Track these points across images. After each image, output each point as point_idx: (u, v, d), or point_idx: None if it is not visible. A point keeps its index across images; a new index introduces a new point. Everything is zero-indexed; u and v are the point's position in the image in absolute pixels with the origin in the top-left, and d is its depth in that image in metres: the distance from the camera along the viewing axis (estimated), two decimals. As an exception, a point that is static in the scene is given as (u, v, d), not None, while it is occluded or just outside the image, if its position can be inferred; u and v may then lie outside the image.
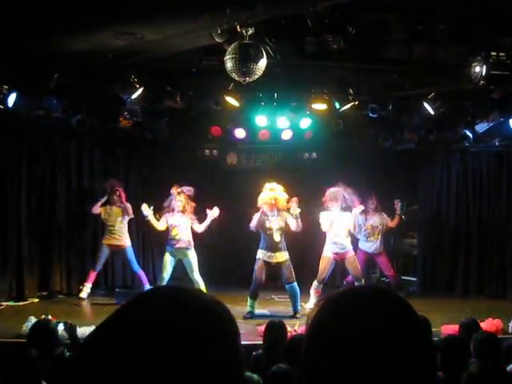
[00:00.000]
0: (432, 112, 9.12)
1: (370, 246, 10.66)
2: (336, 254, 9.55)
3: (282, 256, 9.00)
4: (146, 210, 9.42)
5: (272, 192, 8.92)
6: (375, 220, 10.64)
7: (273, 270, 9.31)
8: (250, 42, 5.94)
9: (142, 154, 11.49)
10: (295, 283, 9.02)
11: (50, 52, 6.72)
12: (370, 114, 9.49)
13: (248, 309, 8.96)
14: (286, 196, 8.96)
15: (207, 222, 9.48)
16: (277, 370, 4.24)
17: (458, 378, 4.32)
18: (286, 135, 11.16)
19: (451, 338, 5.39)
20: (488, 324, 7.64)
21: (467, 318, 6.45)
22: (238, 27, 5.80)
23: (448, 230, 11.74)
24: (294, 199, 8.88)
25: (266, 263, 8.99)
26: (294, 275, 9.03)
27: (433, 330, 6.24)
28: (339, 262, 9.75)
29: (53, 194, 10.34)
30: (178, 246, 9.47)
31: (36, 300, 9.94)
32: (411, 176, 12.12)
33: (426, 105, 9.07)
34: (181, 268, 9.81)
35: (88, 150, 10.86)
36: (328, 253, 9.55)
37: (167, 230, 9.53)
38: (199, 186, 10.05)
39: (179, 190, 9.50)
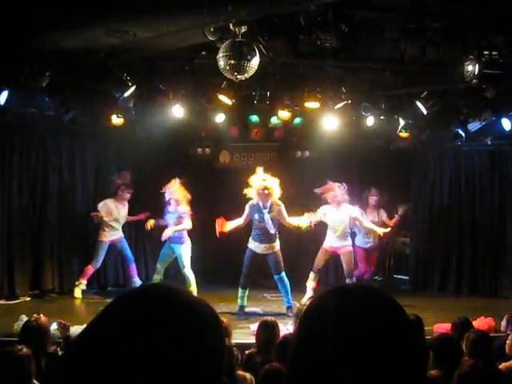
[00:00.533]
0: (424, 111, 9.12)
1: (367, 241, 10.70)
2: (330, 247, 9.58)
3: (273, 246, 9.02)
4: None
5: (264, 182, 8.90)
6: (374, 216, 10.70)
7: (264, 268, 9.35)
8: (243, 40, 5.93)
9: (134, 152, 11.44)
10: (283, 273, 9.03)
11: (42, 50, 6.69)
12: (363, 113, 9.50)
13: (239, 301, 9.02)
14: (279, 189, 8.96)
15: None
16: (270, 368, 4.24)
17: (450, 376, 4.34)
18: (279, 133, 11.16)
19: (444, 337, 5.41)
20: (480, 322, 7.68)
21: (459, 317, 6.48)
22: (230, 25, 5.79)
23: (440, 229, 11.75)
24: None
25: (257, 254, 9.01)
26: (282, 265, 9.04)
27: (425, 328, 6.28)
28: (335, 257, 9.81)
29: (44, 192, 10.30)
30: (170, 241, 9.55)
31: (28, 299, 9.91)
32: (404, 175, 12.14)
33: (418, 104, 9.08)
34: (174, 265, 9.82)
35: (80, 148, 10.81)
36: (325, 245, 9.68)
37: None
38: (192, 184, 10.04)
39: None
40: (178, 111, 9.47)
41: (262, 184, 8.86)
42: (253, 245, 9.01)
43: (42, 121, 9.52)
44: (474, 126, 9.90)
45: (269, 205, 8.91)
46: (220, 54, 5.95)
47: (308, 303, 1.19)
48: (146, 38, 6.15)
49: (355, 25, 5.96)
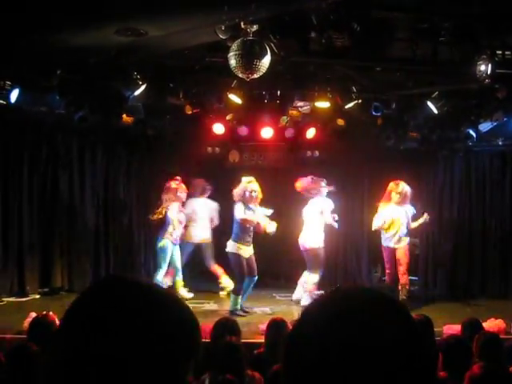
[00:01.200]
0: (435, 111, 9.09)
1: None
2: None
3: (252, 249, 9.10)
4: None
5: (252, 184, 8.96)
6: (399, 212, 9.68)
7: (273, 268, 9.36)
8: (254, 38, 5.91)
9: (144, 151, 11.47)
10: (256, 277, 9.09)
11: (53, 48, 6.69)
12: (373, 113, 9.46)
13: (237, 307, 9.04)
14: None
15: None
16: (278, 368, 4.23)
17: (460, 378, 4.31)
18: (289, 133, 11.13)
19: (453, 338, 5.38)
20: (490, 324, 7.62)
21: (469, 318, 6.45)
22: (241, 24, 5.77)
23: (450, 230, 11.70)
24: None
25: (242, 257, 9.02)
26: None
27: (435, 329, 6.24)
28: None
29: (54, 190, 10.32)
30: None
31: (37, 296, 9.94)
32: (413, 175, 12.07)
33: (429, 104, 9.04)
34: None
35: (90, 147, 10.84)
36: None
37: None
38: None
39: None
40: (187, 110, 9.46)
41: (251, 186, 8.96)
42: (238, 248, 8.97)
43: (53, 119, 9.54)
44: (485, 127, 9.86)
45: (255, 208, 9.04)
46: (231, 53, 5.94)
47: (308, 306, 1.16)
48: (157, 36, 6.14)
49: (367, 24, 5.93)
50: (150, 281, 1.22)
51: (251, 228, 8.95)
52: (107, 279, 1.20)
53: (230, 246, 8.94)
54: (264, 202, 9.57)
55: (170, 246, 9.59)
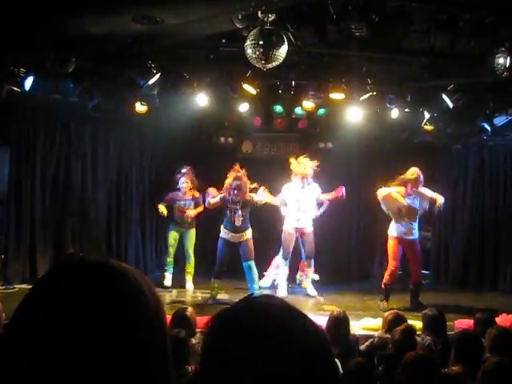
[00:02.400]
0: (450, 104, 9.02)
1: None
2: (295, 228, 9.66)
3: (245, 234, 9.17)
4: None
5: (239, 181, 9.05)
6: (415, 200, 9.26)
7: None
8: (272, 28, 5.88)
9: (157, 140, 11.48)
10: (252, 262, 9.11)
11: (68, 36, 6.69)
12: (388, 105, 9.41)
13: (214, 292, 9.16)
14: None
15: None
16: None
17: (471, 372, 4.30)
18: (302, 124, 11.10)
19: (466, 333, 5.37)
20: (502, 319, 7.59)
21: (482, 313, 6.42)
22: (259, 13, 5.74)
23: (463, 224, 11.65)
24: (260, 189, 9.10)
25: (229, 242, 9.16)
26: (252, 254, 9.13)
27: (447, 324, 6.23)
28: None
29: (67, 178, 10.34)
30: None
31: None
32: (427, 168, 12.01)
33: (444, 97, 8.98)
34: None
35: (103, 135, 10.85)
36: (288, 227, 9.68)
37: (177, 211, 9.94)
38: (214, 173, 10.08)
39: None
40: (201, 100, 9.45)
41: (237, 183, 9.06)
42: (224, 233, 9.17)
43: (66, 107, 9.55)
44: (500, 121, 9.79)
45: (241, 203, 9.09)
46: (248, 42, 5.91)
47: (215, 318, 1.15)
48: (174, 24, 6.12)
49: (385, 14, 5.88)
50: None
51: (231, 219, 9.10)
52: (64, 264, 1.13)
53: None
54: (275, 193, 9.59)
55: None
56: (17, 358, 1.00)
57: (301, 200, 9.60)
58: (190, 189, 10.02)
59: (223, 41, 7.49)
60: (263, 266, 10.05)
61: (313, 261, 9.76)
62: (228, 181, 9.08)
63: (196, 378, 1.16)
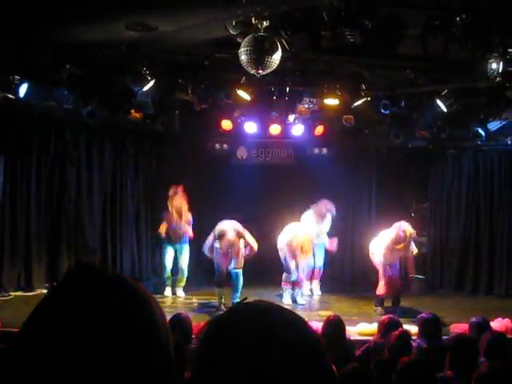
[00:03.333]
0: (445, 109, 9.05)
1: None
2: None
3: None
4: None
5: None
6: None
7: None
8: (265, 34, 5.90)
9: (152, 146, 11.48)
10: (240, 271, 9.11)
11: (62, 42, 6.70)
12: (382, 111, 9.44)
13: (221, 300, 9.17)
14: None
15: None
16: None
17: (466, 377, 4.30)
18: (297, 130, 11.12)
19: (461, 337, 5.37)
20: (497, 323, 7.60)
21: (477, 317, 6.42)
22: (252, 19, 5.76)
23: (458, 228, 11.67)
24: None
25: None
26: (242, 263, 9.16)
27: (442, 328, 6.24)
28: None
29: (62, 185, 10.32)
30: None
31: (44, 291, 9.93)
32: (421, 173, 12.06)
33: (438, 102, 9.01)
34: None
35: (98, 142, 10.84)
36: None
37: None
38: (209, 179, 10.08)
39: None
40: (196, 106, 9.46)
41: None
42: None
43: (61, 114, 9.55)
44: (494, 126, 9.82)
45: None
46: (242, 49, 5.92)
47: (209, 324, 1.15)
48: (168, 31, 6.13)
49: (379, 20, 5.91)
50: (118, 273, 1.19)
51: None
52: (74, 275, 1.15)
53: None
54: (270, 199, 9.60)
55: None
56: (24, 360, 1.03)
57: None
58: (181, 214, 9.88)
59: (217, 47, 7.50)
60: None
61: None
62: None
63: (188, 381, 1.16)
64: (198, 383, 1.09)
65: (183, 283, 10.11)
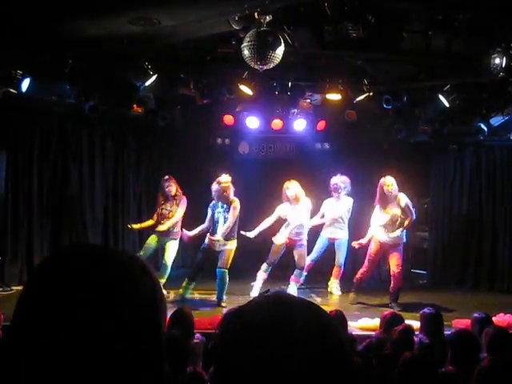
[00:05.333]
0: (447, 104, 9.04)
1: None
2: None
3: (225, 244, 8.98)
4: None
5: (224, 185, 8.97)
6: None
7: (283, 260, 9.37)
8: (268, 29, 5.89)
9: (154, 141, 11.47)
10: (226, 271, 8.94)
11: (65, 37, 6.69)
12: (385, 106, 9.42)
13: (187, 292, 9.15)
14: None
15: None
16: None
17: (468, 372, 4.30)
18: (299, 125, 11.10)
19: (463, 333, 5.36)
20: (499, 319, 7.60)
21: (479, 313, 6.42)
22: (255, 14, 5.75)
23: (459, 224, 11.67)
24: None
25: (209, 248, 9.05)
26: (228, 263, 8.98)
27: (444, 323, 6.24)
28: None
29: (64, 180, 10.34)
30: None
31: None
32: (423, 168, 12.05)
33: (440, 97, 9.00)
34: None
35: (100, 137, 10.84)
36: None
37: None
38: (210, 174, 10.04)
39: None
40: (198, 101, 9.44)
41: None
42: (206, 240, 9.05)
43: (63, 109, 9.55)
44: (496, 121, 9.81)
45: (226, 206, 9.04)
46: (245, 43, 5.92)
47: (226, 317, 1.15)
48: (170, 26, 6.12)
49: (381, 15, 5.90)
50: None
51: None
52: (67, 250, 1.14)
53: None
54: (272, 194, 9.58)
55: None
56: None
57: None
58: (175, 195, 9.42)
59: (220, 42, 7.49)
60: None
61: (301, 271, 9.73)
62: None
63: (211, 375, 1.17)
64: (221, 374, 1.10)
65: (163, 280, 9.12)
